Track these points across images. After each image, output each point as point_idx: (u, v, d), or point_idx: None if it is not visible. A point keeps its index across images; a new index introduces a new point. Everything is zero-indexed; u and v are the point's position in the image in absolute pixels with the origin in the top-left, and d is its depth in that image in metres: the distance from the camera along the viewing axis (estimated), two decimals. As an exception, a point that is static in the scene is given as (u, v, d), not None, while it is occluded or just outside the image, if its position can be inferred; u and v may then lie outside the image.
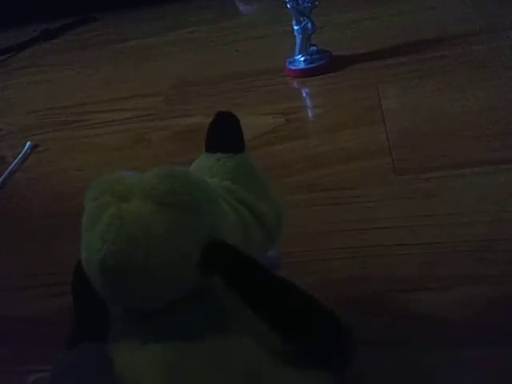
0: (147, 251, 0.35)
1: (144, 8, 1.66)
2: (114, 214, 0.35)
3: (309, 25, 0.99)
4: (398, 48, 1.01)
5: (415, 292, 0.53)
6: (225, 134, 0.45)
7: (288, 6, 0.97)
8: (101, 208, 0.36)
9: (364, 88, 0.91)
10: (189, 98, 1.04)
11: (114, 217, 0.35)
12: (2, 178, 0.91)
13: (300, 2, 0.97)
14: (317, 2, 0.98)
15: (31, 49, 1.57)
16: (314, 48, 1.02)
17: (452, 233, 0.58)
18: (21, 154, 0.97)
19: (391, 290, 0.53)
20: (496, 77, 0.85)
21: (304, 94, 0.99)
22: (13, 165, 0.94)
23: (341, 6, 1.28)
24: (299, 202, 0.68)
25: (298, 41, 1.01)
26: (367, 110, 0.84)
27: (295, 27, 1.00)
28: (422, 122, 0.78)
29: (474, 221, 0.59)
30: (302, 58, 1.01)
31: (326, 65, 1.01)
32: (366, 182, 0.68)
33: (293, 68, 1.02)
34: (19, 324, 0.61)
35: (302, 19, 0.99)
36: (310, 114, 0.93)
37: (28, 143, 0.99)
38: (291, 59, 1.03)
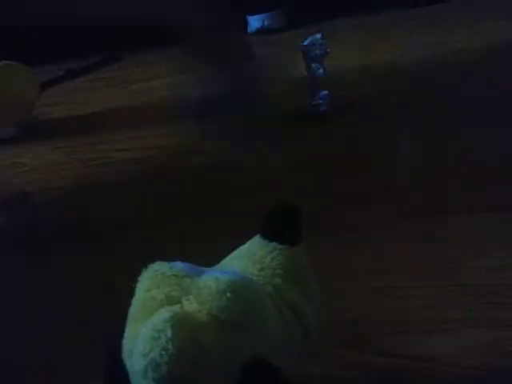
0: (194, 362, 0.36)
1: (168, 47, 1.71)
2: (166, 320, 0.36)
3: (320, 70, 1.05)
4: (410, 91, 1.04)
5: (419, 334, 0.54)
6: (283, 224, 0.45)
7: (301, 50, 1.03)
8: (153, 304, 0.38)
9: (375, 131, 0.95)
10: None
11: (167, 323, 0.36)
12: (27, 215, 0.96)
13: (312, 49, 1.02)
14: (328, 50, 1.03)
15: (56, 87, 1.64)
16: (325, 92, 1.07)
17: (457, 276, 0.60)
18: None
19: (395, 331, 0.55)
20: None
21: (314, 137, 1.02)
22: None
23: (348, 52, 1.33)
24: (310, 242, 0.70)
25: (310, 85, 1.06)
26: (378, 153, 0.88)
27: (307, 72, 1.05)
28: (433, 166, 0.81)
29: (478, 265, 0.60)
30: (313, 102, 1.06)
31: (336, 108, 1.05)
32: (374, 225, 0.71)
33: (306, 111, 1.07)
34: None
35: (313, 65, 1.04)
36: (320, 157, 0.96)
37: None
38: (303, 102, 1.08)
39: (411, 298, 0.59)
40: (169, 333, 0.35)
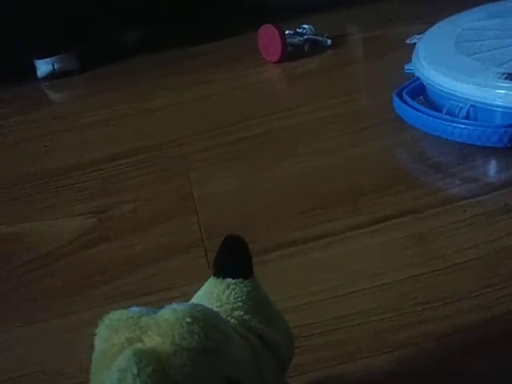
0: None
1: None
2: (129, 359, 0.33)
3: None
4: (201, 133, 0.99)
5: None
6: (234, 259, 0.44)
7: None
8: (114, 350, 0.35)
9: (174, 177, 0.89)
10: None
11: (131, 362, 0.33)
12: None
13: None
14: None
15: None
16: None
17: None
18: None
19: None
20: (296, 153, 0.86)
21: (116, 189, 0.90)
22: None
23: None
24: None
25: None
26: (179, 201, 0.83)
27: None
28: (234, 207, 0.78)
29: (286, 306, 0.57)
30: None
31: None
32: (180, 281, 0.68)
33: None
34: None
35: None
36: (122, 211, 0.85)
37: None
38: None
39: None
40: (134, 370, 0.33)
